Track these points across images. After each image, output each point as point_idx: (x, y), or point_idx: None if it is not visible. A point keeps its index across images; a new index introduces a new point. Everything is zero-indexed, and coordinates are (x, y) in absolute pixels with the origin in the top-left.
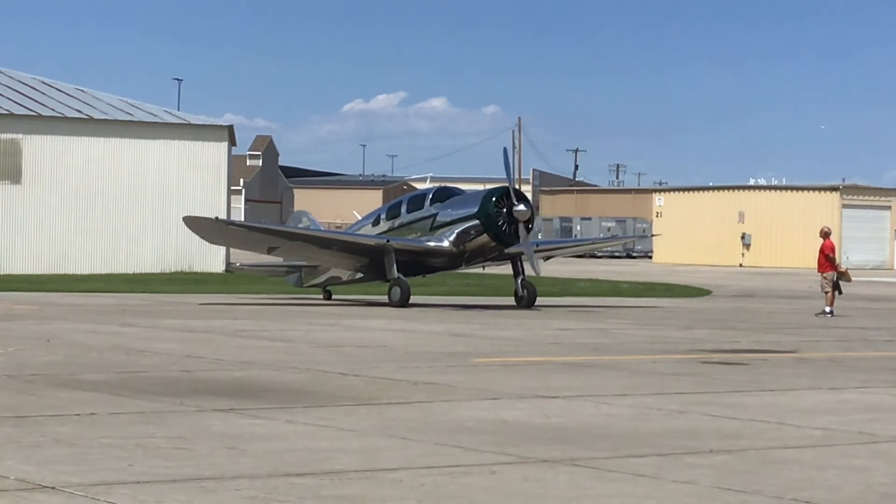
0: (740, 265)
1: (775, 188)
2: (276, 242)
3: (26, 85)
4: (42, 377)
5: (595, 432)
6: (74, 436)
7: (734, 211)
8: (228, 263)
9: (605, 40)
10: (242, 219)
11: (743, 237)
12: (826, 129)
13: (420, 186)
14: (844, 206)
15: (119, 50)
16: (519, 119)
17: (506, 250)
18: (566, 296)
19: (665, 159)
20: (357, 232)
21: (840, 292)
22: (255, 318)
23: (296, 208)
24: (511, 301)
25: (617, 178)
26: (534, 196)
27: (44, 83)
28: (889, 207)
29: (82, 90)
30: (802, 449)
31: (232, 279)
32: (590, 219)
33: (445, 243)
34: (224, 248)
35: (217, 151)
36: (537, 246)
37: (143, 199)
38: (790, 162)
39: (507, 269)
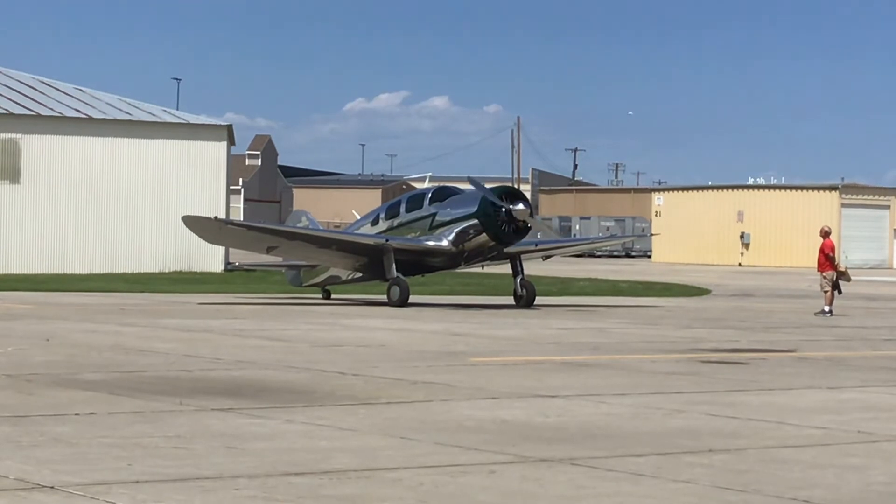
0: (739, 264)
1: (774, 187)
2: (276, 242)
3: (25, 84)
4: (41, 377)
5: (594, 432)
6: (74, 435)
7: (733, 210)
8: (228, 263)
9: (604, 40)
10: (241, 218)
11: (742, 236)
12: (826, 126)
13: (419, 186)
14: (844, 205)
15: (118, 50)
16: (518, 118)
17: (505, 250)
18: (565, 295)
19: (664, 159)
20: (356, 231)
21: (840, 292)
22: (255, 317)
23: (295, 208)
24: (510, 300)
25: (616, 177)
26: (533, 195)
27: (43, 83)
28: (888, 207)
29: (81, 90)
30: (802, 448)
31: (231, 279)
32: (589, 218)
33: (444, 243)
34: (223, 247)
35: (216, 151)
36: (536, 245)
37: (142, 199)
38: (790, 161)
39: (506, 268)
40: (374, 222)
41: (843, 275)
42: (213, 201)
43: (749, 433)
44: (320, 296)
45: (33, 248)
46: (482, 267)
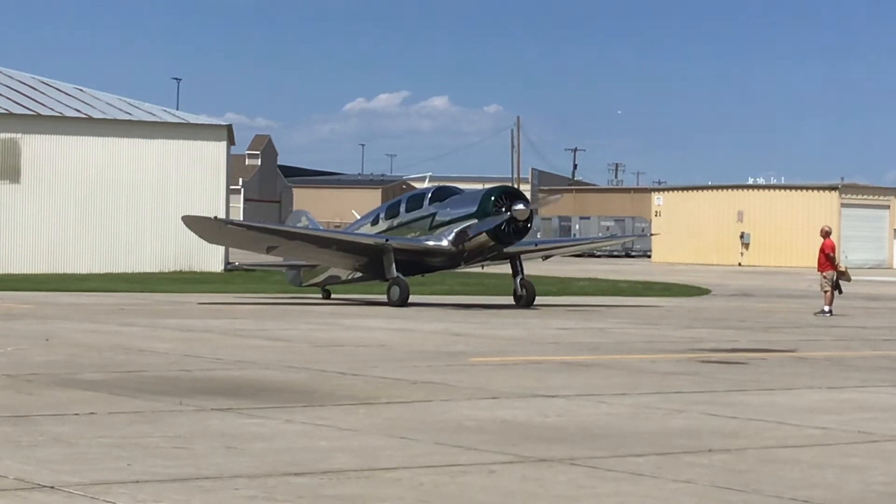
0: (739, 264)
1: (774, 187)
2: (275, 242)
3: (25, 84)
4: (41, 376)
5: (594, 432)
6: (73, 435)
7: (733, 210)
8: (228, 263)
9: (604, 40)
10: (241, 218)
11: (742, 236)
12: (828, 128)
13: (419, 186)
14: (843, 205)
15: (118, 50)
16: (518, 118)
17: (504, 249)
18: (565, 295)
19: (664, 159)
20: (356, 231)
21: (840, 292)
22: (255, 317)
23: (295, 208)
24: (510, 300)
25: (616, 177)
26: (533, 195)
27: (43, 82)
28: (888, 207)
29: (81, 89)
30: (801, 448)
31: (231, 279)
32: (588, 218)
33: (444, 242)
34: (223, 247)
35: (216, 151)
36: (536, 245)
37: (141, 199)
38: (790, 161)
39: (506, 268)
40: (374, 222)
41: (843, 275)
42: (213, 201)
43: (749, 433)
44: (320, 296)
45: (33, 248)
46: (482, 267)
